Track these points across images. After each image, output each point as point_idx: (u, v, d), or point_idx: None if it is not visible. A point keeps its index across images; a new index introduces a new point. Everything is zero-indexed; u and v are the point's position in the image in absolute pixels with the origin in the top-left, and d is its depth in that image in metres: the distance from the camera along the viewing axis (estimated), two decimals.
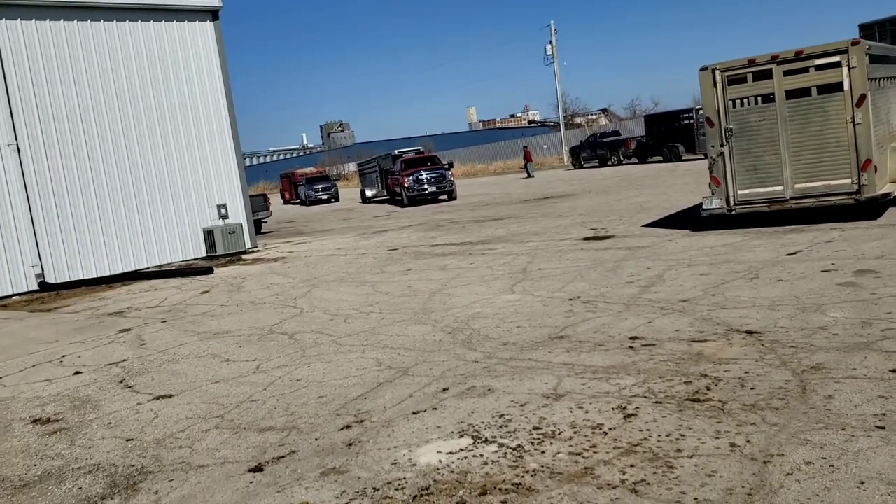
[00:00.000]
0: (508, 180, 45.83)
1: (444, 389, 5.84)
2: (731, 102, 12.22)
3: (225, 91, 19.23)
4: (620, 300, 8.31)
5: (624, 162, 44.93)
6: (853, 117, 11.17)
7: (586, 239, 13.79)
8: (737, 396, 4.95)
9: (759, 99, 12.21)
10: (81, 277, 16.31)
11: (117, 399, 6.79)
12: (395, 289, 10.95)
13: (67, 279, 16.14)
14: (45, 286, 15.77)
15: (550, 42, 63.26)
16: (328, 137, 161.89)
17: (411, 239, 18.01)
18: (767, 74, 11.83)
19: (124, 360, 8.33)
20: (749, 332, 6.41)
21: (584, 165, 48.29)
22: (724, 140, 12.20)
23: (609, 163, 45.86)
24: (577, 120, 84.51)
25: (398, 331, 8.14)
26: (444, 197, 32.61)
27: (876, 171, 11.24)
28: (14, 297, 15.36)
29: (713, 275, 9.06)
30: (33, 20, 16.11)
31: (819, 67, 11.43)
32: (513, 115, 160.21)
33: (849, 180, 11.33)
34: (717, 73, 12.18)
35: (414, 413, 5.39)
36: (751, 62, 11.93)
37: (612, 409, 5.01)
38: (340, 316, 9.39)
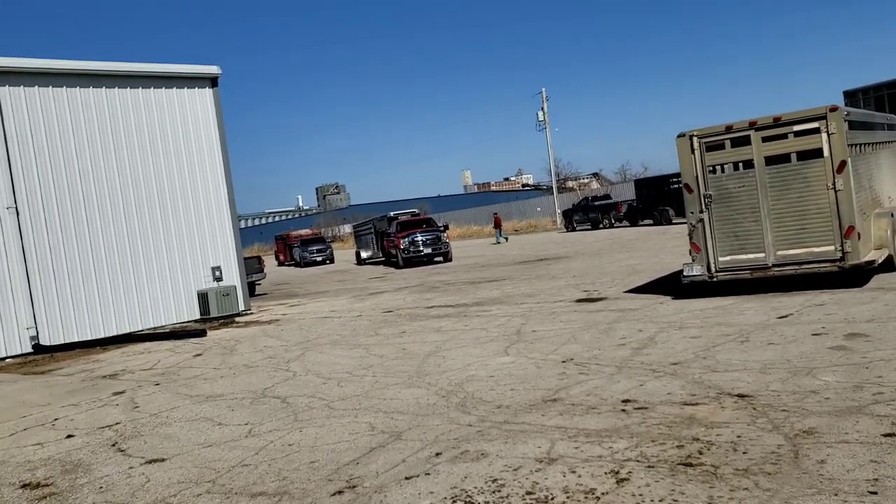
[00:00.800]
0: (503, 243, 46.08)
1: (438, 454, 5.83)
2: (709, 169, 12.11)
3: (222, 155, 19.52)
4: (613, 362, 8.34)
5: (615, 225, 45.36)
6: (834, 184, 11.01)
7: (579, 301, 13.86)
8: (729, 461, 4.96)
9: (739, 165, 12.19)
10: (76, 340, 16.26)
11: (109, 463, 6.73)
12: (390, 351, 10.95)
13: (62, 341, 16.09)
14: (39, 348, 15.71)
15: (542, 108, 64.42)
16: (324, 199, 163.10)
17: (406, 301, 18.05)
18: (746, 141, 11.72)
19: (117, 424, 8.28)
20: (741, 396, 6.44)
21: (577, 228, 48.70)
22: (704, 206, 12.05)
23: (601, 226, 46.27)
24: (570, 183, 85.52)
25: (392, 394, 8.12)
26: (440, 258, 32.78)
27: (859, 237, 11.03)
28: (7, 360, 15.28)
29: (704, 337, 9.11)
30: (36, 87, 16.46)
31: (798, 133, 11.32)
32: (507, 179, 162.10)
33: (832, 247, 11.12)
34: (695, 139, 12.08)
35: (407, 478, 5.37)
36: (728, 129, 11.84)
37: (605, 473, 5.01)
38: (333, 379, 9.38)
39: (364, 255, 43.31)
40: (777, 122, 11.44)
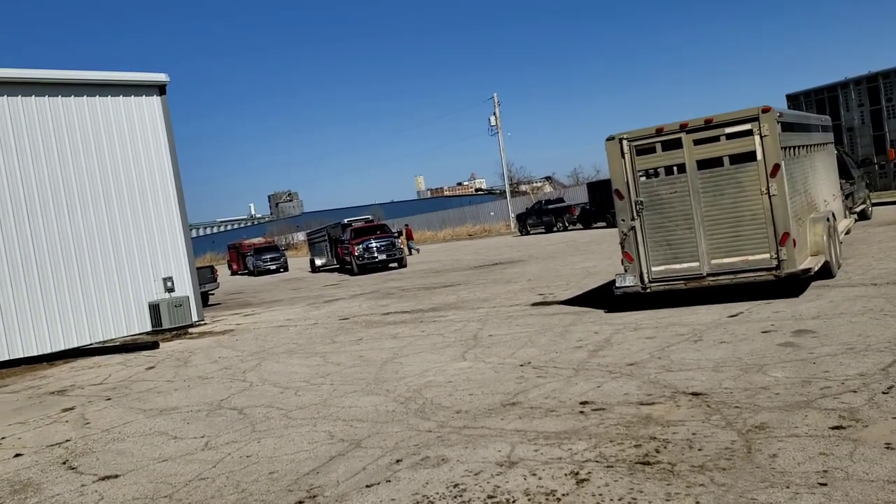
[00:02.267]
0: (458, 247, 46.22)
1: (398, 461, 5.82)
2: (640, 174, 11.51)
3: (171, 164, 19.21)
4: (570, 365, 8.42)
5: (569, 228, 45.84)
6: (768, 188, 10.53)
7: (535, 304, 13.97)
8: (685, 458, 5.05)
9: (672, 169, 11.45)
10: (22, 355, 15.80)
11: (60, 481, 6.57)
12: (347, 359, 10.89)
13: (7, 357, 15.61)
14: None
15: (494, 113, 64.91)
16: (276, 207, 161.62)
17: (362, 308, 17.98)
18: (677, 144, 11.14)
19: (67, 441, 8.07)
20: (695, 394, 6.56)
21: (531, 232, 49.10)
22: (635, 213, 11.42)
23: (555, 229, 46.73)
24: (523, 187, 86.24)
25: (350, 402, 8.09)
26: (395, 265, 32.73)
27: (795, 244, 10.58)
28: None
29: (658, 338, 9.27)
30: None
31: (730, 136, 10.78)
32: (460, 184, 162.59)
33: (767, 255, 10.63)
34: (625, 142, 11.45)
35: (367, 486, 5.35)
36: (659, 131, 11.24)
37: (565, 474, 5.06)
38: (291, 389, 9.29)
39: (318, 262, 43.03)
40: (709, 125, 10.90)
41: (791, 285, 11.03)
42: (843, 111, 23.77)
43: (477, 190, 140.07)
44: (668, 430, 5.70)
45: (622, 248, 11.68)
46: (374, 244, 32.37)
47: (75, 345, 16.66)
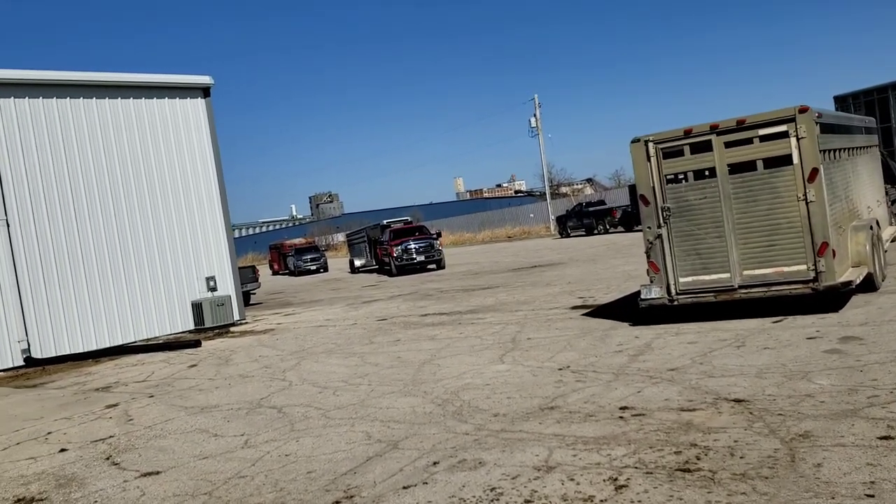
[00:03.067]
0: (497, 249, 46.14)
1: (435, 463, 5.82)
2: (667, 178, 10.87)
3: (215, 165, 19.51)
4: (610, 369, 8.34)
5: (610, 231, 45.42)
6: (805, 194, 9.82)
7: (574, 308, 13.87)
8: (727, 466, 4.96)
9: (702, 174, 10.79)
10: (68, 352, 16.18)
11: (103, 476, 6.69)
12: (385, 360, 10.93)
13: (54, 354, 16.00)
14: (31, 361, 15.62)
15: (535, 115, 64.60)
16: (317, 208, 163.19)
17: (400, 309, 18.04)
18: (707, 146, 10.49)
19: (111, 437, 8.23)
20: (737, 401, 6.44)
21: (571, 234, 48.74)
22: (662, 221, 10.76)
23: (595, 231, 46.33)
24: (563, 189, 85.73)
25: (388, 403, 8.11)
26: (433, 266, 32.80)
27: (834, 255, 9.83)
28: None
29: (700, 343, 9.13)
30: (26, 98, 16.40)
31: (764, 138, 10.10)
32: (499, 185, 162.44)
33: (804, 266, 9.89)
34: (651, 145, 10.80)
35: (404, 488, 5.35)
36: (687, 133, 10.59)
37: (604, 480, 5.01)
38: (329, 388, 9.36)
39: (358, 263, 43.30)
40: (741, 126, 10.24)
41: (830, 299, 10.25)
42: (893, 113, 23.18)
43: (517, 192, 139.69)
44: (710, 436, 5.61)
45: (647, 257, 11.04)
46: (412, 245, 32.47)
47: (120, 342, 17.00)
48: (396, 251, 32.47)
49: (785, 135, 9.95)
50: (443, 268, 32.53)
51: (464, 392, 8.15)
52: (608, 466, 5.25)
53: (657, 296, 10.88)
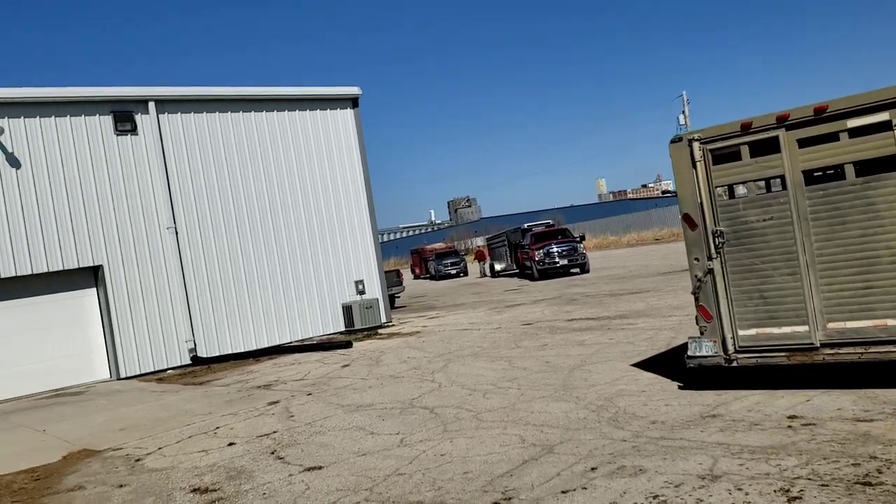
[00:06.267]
0: (643, 252, 44.95)
1: (593, 468, 5.70)
2: (719, 190, 7.94)
3: (363, 173, 20.18)
4: None
5: None
6: None
7: None
8: None
9: (767, 184, 7.91)
10: (230, 352, 17.19)
11: (269, 470, 7.02)
12: (533, 364, 10.87)
13: (217, 353, 17.05)
14: (196, 360, 16.71)
15: (683, 112, 62.41)
16: (455, 213, 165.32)
17: (545, 313, 17.90)
18: (773, 145, 7.42)
19: (274, 432, 8.64)
20: None
21: None
22: (714, 250, 7.83)
23: None
24: None
25: (539, 407, 8.04)
26: (576, 270, 32.32)
27: None
28: (169, 371, 16.34)
29: None
30: (192, 113, 17.58)
31: (855, 132, 6.97)
32: (644, 186, 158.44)
33: None
34: (697, 145, 7.84)
35: (563, 492, 5.27)
36: (745, 127, 7.56)
37: (774, 491, 4.74)
38: (479, 391, 9.40)
39: (498, 267, 43.42)
40: (820, 115, 7.11)
41: None
42: None
43: (664, 192, 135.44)
44: (891, 448, 5.21)
45: (696, 299, 8.09)
46: (555, 249, 32.13)
47: (277, 342, 17.91)
48: (538, 255, 32.26)
49: (888, 126, 6.79)
50: (587, 272, 32.01)
51: (618, 398, 7.95)
52: (778, 477, 4.96)
53: (709, 353, 7.95)
